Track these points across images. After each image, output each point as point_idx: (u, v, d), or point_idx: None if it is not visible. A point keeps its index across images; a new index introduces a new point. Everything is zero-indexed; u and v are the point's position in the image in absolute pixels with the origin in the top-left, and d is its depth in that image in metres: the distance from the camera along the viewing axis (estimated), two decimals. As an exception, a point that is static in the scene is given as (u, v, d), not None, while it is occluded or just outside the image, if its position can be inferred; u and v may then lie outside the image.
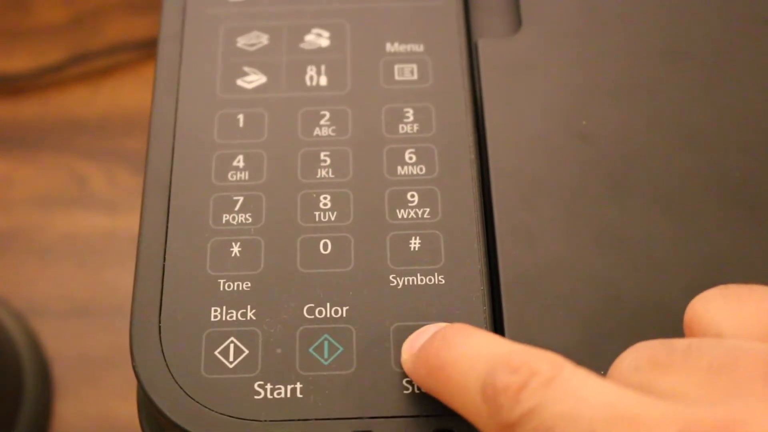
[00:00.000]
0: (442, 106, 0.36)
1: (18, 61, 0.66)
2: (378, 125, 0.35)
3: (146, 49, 0.66)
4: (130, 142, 0.63)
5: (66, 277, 0.60)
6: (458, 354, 0.27)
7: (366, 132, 0.35)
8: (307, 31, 0.38)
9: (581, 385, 0.24)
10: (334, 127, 0.35)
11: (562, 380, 0.25)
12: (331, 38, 0.37)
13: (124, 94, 0.66)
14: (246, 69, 0.37)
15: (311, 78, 0.36)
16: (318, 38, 0.37)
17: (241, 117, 0.36)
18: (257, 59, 0.37)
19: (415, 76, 0.36)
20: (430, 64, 0.37)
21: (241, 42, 0.37)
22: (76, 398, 0.58)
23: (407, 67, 0.37)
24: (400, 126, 0.35)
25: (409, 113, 0.36)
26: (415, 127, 0.35)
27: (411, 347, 0.30)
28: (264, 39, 0.37)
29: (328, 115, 0.36)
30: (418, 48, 0.37)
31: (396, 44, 0.37)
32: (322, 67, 0.37)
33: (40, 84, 0.67)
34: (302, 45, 0.37)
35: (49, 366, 0.59)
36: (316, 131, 0.35)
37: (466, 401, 0.27)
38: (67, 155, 0.64)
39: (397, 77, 0.36)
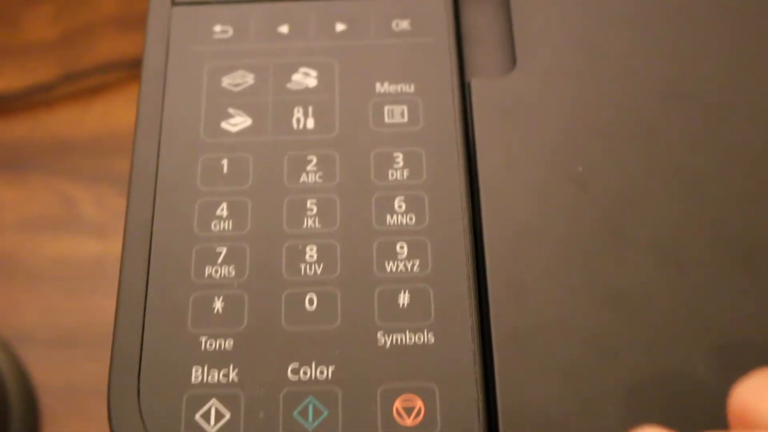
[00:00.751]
0: (433, 150, 0.34)
1: (6, 80, 0.65)
2: (366, 171, 0.34)
3: (137, 68, 0.64)
4: (119, 164, 0.62)
5: (54, 304, 0.59)
6: None
7: (354, 178, 0.34)
8: (295, 70, 0.36)
9: None
10: (321, 173, 0.34)
11: None
12: (318, 78, 0.36)
13: (114, 114, 0.64)
14: (231, 110, 0.35)
15: (298, 120, 0.35)
16: (305, 78, 0.36)
17: (225, 162, 0.34)
18: (242, 100, 0.36)
19: (405, 119, 0.35)
20: (421, 105, 0.35)
21: (226, 81, 0.36)
22: (64, 429, 0.56)
23: (397, 108, 0.35)
24: (390, 172, 0.34)
25: (399, 158, 0.34)
26: (405, 173, 0.34)
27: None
28: (249, 78, 0.36)
29: (315, 160, 0.34)
30: (409, 88, 0.36)
31: (386, 84, 0.36)
32: (309, 109, 0.35)
33: (29, 103, 0.65)
34: (289, 85, 0.36)
35: (36, 395, 0.58)
36: (303, 177, 0.34)
37: None
38: (55, 177, 0.63)
39: (386, 120, 0.35)
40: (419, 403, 0.30)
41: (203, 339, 0.31)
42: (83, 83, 0.65)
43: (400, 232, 0.33)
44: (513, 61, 0.36)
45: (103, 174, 0.62)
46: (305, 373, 0.30)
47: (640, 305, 0.31)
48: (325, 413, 0.29)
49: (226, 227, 0.33)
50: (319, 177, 0.34)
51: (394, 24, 0.37)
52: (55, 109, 0.66)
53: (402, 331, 0.31)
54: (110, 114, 0.64)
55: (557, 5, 0.37)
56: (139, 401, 0.30)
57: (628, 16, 0.37)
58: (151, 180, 0.34)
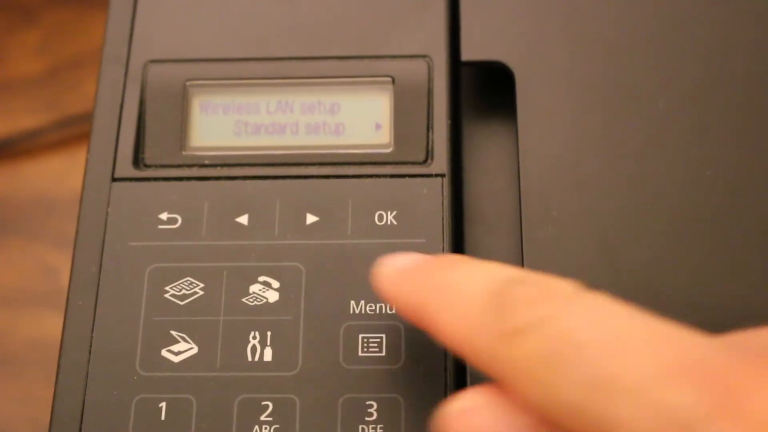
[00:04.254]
0: (414, 399, 0.28)
1: (-13, 122, 0.59)
2: (332, 426, 0.28)
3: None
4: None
5: (32, 394, 0.54)
6: (472, 269, 0.25)
7: (317, 436, 0.28)
8: (253, 279, 0.30)
9: (608, 303, 0.23)
10: (277, 427, 0.28)
11: (587, 297, 0.23)
12: (281, 290, 0.30)
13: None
14: (174, 333, 0.29)
15: (253, 349, 0.29)
16: (265, 290, 0.30)
17: (163, 406, 0.28)
18: (188, 319, 0.29)
19: (383, 352, 0.29)
20: (403, 334, 0.29)
21: (171, 291, 0.30)
22: None
23: (374, 338, 0.29)
24: (360, 428, 0.28)
25: (373, 409, 0.28)
26: (379, 431, 0.28)
27: (396, 263, 0.27)
28: (198, 288, 0.30)
29: (271, 407, 0.28)
30: (390, 308, 0.29)
31: (362, 303, 0.29)
32: (268, 335, 0.29)
33: (12, 152, 0.60)
34: (245, 299, 0.30)
35: (10, 500, 0.53)
36: (255, 431, 0.28)
37: (464, 312, 0.24)
38: (36, 243, 0.58)
39: (361, 352, 0.29)
40: None
41: None
42: (70, 130, 0.59)
43: None
44: (519, 274, 0.30)
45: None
46: None
47: None
48: None
49: (158, 506, 0.27)
50: (275, 431, 0.28)
51: (377, 216, 0.31)
52: (39, 159, 0.60)
53: None
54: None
55: (572, 211, 0.30)
56: None
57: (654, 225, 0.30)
58: (74, 423, 0.28)
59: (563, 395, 0.22)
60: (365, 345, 0.29)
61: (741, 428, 0.19)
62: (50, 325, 0.55)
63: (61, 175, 0.59)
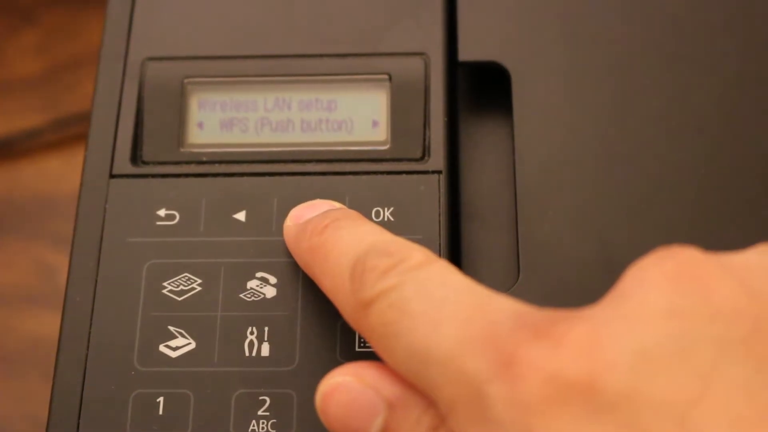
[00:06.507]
0: (412, 394, 0.28)
1: (-14, 122, 0.59)
2: (329, 420, 0.28)
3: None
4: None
5: (31, 392, 0.54)
6: (343, 235, 0.27)
7: (314, 430, 0.28)
8: (251, 275, 0.30)
9: (446, 275, 0.24)
10: (274, 421, 0.28)
11: (430, 268, 0.25)
12: (278, 286, 0.30)
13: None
14: (171, 328, 0.29)
15: (251, 345, 0.29)
16: (263, 286, 0.30)
17: (161, 401, 0.29)
18: (186, 315, 0.30)
19: (380, 347, 0.29)
20: (400, 329, 0.29)
21: (169, 287, 0.30)
22: None
23: (371, 334, 0.29)
24: (357, 423, 0.28)
25: (370, 404, 0.28)
26: (376, 425, 0.28)
27: (298, 217, 0.30)
28: (196, 284, 0.30)
29: (268, 402, 0.28)
30: (387, 305, 0.29)
31: (359, 298, 0.30)
32: (265, 330, 0.29)
33: (10, 153, 0.60)
34: (243, 294, 0.30)
35: (8, 499, 0.53)
36: (253, 425, 0.28)
37: (336, 281, 0.26)
38: (34, 241, 0.58)
39: (357, 347, 0.29)
40: None
41: None
42: (68, 130, 0.59)
43: None
44: (516, 273, 0.30)
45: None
46: None
47: None
48: None
49: (156, 498, 0.27)
50: (272, 426, 0.28)
51: (374, 213, 0.31)
52: (37, 159, 0.60)
53: None
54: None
55: (567, 209, 0.30)
56: None
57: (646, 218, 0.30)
58: (71, 422, 0.28)
59: (400, 364, 0.24)
60: (362, 340, 0.29)
61: (509, 385, 0.21)
62: (48, 324, 0.55)
63: (59, 175, 0.60)
